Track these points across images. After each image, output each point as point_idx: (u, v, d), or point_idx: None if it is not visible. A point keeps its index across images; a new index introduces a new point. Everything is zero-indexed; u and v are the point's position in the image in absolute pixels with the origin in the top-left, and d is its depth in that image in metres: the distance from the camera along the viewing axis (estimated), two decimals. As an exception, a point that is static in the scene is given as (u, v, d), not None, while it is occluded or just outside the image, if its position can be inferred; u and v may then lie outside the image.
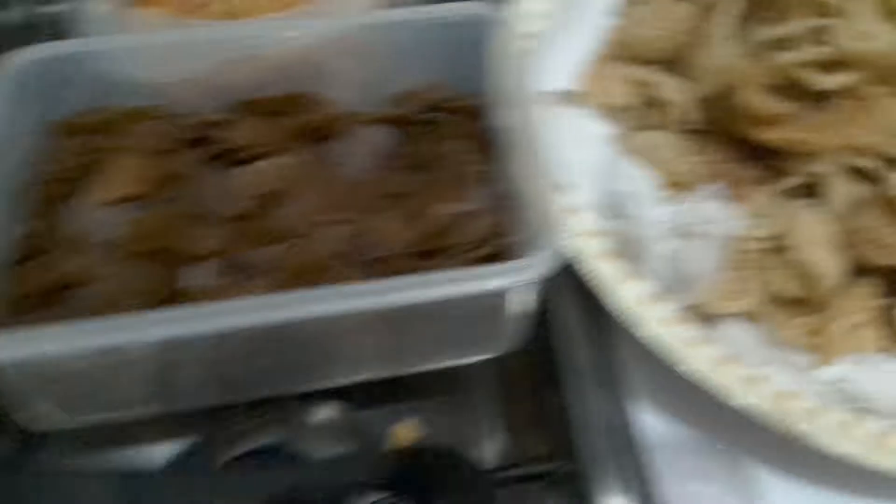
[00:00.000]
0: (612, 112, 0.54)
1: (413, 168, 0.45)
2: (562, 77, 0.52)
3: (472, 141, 0.46)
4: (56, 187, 0.45)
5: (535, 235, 0.38)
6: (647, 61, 0.54)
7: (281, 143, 0.45)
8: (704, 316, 0.47)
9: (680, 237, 0.48)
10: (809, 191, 0.50)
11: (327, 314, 0.36)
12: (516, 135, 0.42)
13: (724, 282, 0.47)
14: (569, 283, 0.47)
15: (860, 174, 0.49)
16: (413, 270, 0.39)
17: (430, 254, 0.41)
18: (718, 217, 0.47)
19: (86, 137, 0.45)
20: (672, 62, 0.53)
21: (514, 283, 0.37)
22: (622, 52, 0.54)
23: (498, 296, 0.39)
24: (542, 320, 0.47)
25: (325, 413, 0.46)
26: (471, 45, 0.46)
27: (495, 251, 0.42)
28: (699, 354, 0.44)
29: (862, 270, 0.48)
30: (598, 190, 0.50)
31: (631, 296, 0.45)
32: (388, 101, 0.48)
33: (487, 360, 0.47)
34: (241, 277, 0.42)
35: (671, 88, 0.51)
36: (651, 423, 0.47)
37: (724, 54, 0.49)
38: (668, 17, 0.52)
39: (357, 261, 0.41)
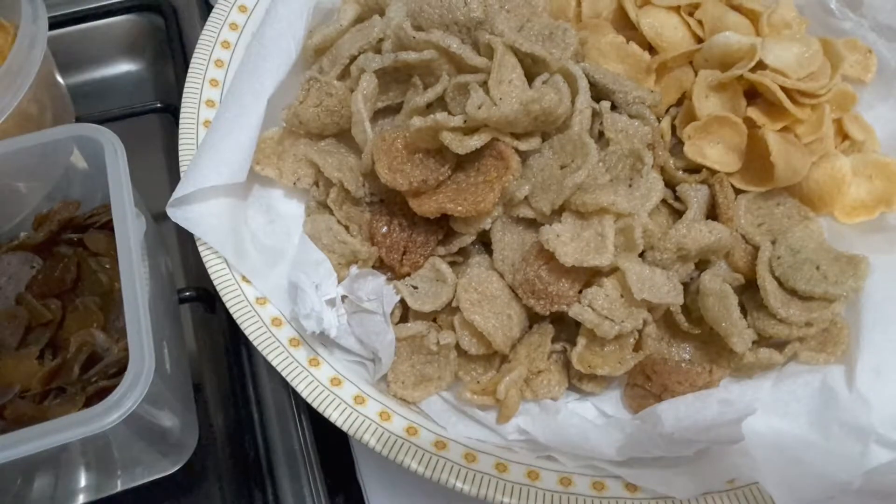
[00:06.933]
0: (300, 191, 0.55)
1: (56, 294, 0.45)
2: (235, 165, 0.51)
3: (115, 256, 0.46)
4: None
5: (136, 358, 0.38)
6: (321, 136, 0.55)
7: None
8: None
9: (354, 316, 0.48)
10: (486, 246, 0.51)
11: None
12: (128, 246, 0.41)
13: (409, 370, 0.48)
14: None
15: (528, 223, 0.50)
16: (36, 415, 0.39)
17: (55, 392, 0.41)
18: (383, 294, 0.48)
19: None
20: (344, 135, 0.55)
21: (112, 420, 0.36)
22: (298, 128, 0.54)
23: (117, 428, 0.37)
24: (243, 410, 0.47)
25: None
26: (95, 163, 0.45)
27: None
28: (383, 433, 0.44)
29: (536, 318, 0.50)
30: (280, 278, 0.50)
31: (311, 381, 0.45)
32: (26, 226, 0.47)
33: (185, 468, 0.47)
34: None
35: (331, 167, 0.51)
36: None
37: (366, 131, 0.51)
38: (329, 96, 0.53)
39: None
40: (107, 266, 0.45)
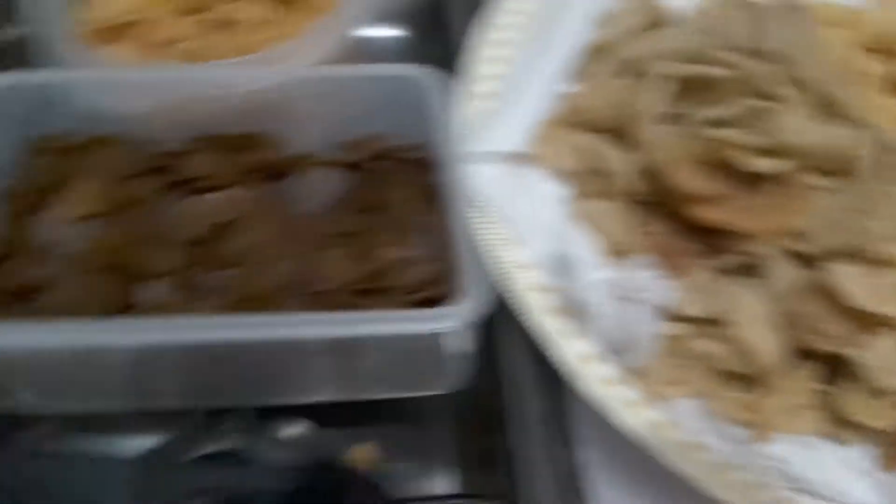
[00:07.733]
0: (563, 175, 0.57)
1: (361, 211, 0.48)
2: (515, 137, 0.54)
3: (418, 191, 0.49)
4: (27, 200, 0.49)
5: (471, 284, 0.41)
6: (596, 129, 0.57)
7: (236, 177, 0.49)
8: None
9: (618, 301, 0.49)
10: (748, 269, 0.51)
11: (268, 339, 0.40)
12: (461, 189, 0.44)
13: (665, 367, 0.48)
14: (520, 329, 0.48)
15: (801, 258, 0.50)
16: (352, 307, 0.42)
17: (369, 293, 0.44)
18: (653, 287, 0.49)
19: (57, 158, 0.49)
20: (619, 132, 0.56)
21: (444, 327, 0.40)
22: (573, 118, 0.56)
23: (431, 338, 0.42)
24: (492, 363, 0.50)
25: (289, 427, 0.50)
26: (414, 102, 0.49)
27: (432, 296, 0.45)
28: (637, 416, 0.45)
29: (803, 353, 0.48)
30: (546, 248, 0.51)
31: (572, 353, 0.47)
32: (339, 147, 0.51)
33: (440, 396, 0.49)
34: (192, 297, 0.46)
35: (615, 159, 0.52)
36: (599, 471, 0.48)
37: (655, 130, 0.52)
38: (609, 90, 0.55)
39: (300, 293, 0.44)
40: (409, 199, 0.48)
